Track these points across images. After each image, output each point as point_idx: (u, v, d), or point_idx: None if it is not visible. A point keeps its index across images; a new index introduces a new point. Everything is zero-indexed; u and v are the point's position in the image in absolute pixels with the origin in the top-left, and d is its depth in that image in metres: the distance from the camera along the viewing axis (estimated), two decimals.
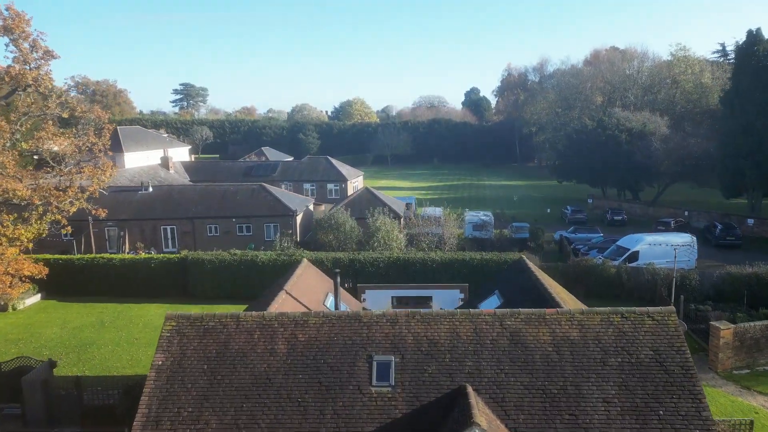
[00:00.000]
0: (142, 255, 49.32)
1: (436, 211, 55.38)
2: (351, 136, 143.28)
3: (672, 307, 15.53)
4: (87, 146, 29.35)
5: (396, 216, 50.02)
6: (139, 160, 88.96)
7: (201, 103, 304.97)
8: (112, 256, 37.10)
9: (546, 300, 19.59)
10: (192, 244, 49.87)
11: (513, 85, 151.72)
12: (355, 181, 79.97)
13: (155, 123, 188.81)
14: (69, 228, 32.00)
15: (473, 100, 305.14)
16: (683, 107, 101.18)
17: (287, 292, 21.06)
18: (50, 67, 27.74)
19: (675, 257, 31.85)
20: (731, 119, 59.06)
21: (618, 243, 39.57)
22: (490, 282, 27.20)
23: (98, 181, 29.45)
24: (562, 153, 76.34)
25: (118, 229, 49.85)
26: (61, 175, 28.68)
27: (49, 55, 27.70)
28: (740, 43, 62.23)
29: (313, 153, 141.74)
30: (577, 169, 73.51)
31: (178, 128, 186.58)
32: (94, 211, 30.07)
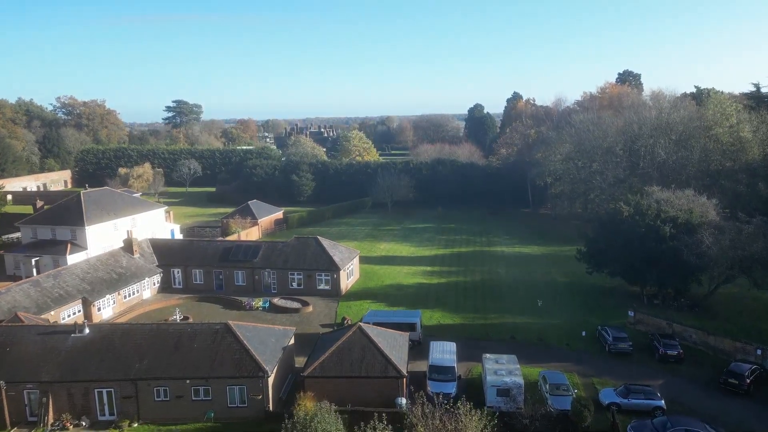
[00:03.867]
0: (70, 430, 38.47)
1: (447, 349, 44.61)
2: (348, 178, 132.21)
3: None
4: None
5: (399, 375, 39.12)
6: (104, 234, 78.12)
7: (195, 121, 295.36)
8: None
9: None
10: (134, 412, 38.93)
11: (521, 114, 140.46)
12: (350, 266, 68.93)
13: (141, 153, 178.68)
14: None
15: (477, 118, 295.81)
16: (719, 164, 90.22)
17: None
18: None
19: None
20: None
21: None
22: None
23: None
24: (593, 240, 65.21)
25: (39, 393, 38.83)
26: None
27: None
28: None
29: (307, 196, 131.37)
30: (610, 261, 62.44)
31: (166, 158, 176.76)
32: None
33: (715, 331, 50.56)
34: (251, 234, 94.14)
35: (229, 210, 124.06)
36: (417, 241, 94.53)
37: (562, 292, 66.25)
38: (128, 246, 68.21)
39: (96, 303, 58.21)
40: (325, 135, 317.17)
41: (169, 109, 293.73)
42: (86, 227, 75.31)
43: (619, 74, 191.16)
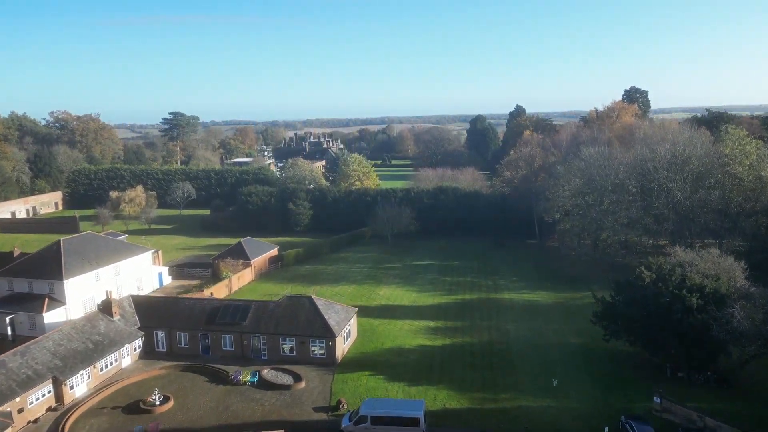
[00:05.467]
0: None
1: None
2: (347, 206, 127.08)
3: None
4: None
5: None
6: (85, 286, 73.23)
7: (191, 133, 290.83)
8: None
9: None
10: None
11: (528, 142, 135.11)
12: (346, 329, 63.79)
13: (134, 174, 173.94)
14: None
15: (479, 130, 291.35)
16: (739, 205, 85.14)
17: None
18: None
19: None
20: None
21: None
22: None
23: None
24: (610, 304, 60.06)
25: None
26: None
27: None
28: None
29: (304, 225, 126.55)
30: (629, 330, 57.44)
31: (160, 179, 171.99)
32: None
33: (752, 425, 45.48)
34: (243, 277, 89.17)
35: (223, 241, 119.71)
36: (419, 284, 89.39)
37: (577, 359, 61.04)
38: (107, 308, 63.12)
39: (68, 381, 53.24)
40: (325, 146, 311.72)
41: (165, 121, 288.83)
42: (64, 281, 70.43)
43: (626, 91, 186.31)
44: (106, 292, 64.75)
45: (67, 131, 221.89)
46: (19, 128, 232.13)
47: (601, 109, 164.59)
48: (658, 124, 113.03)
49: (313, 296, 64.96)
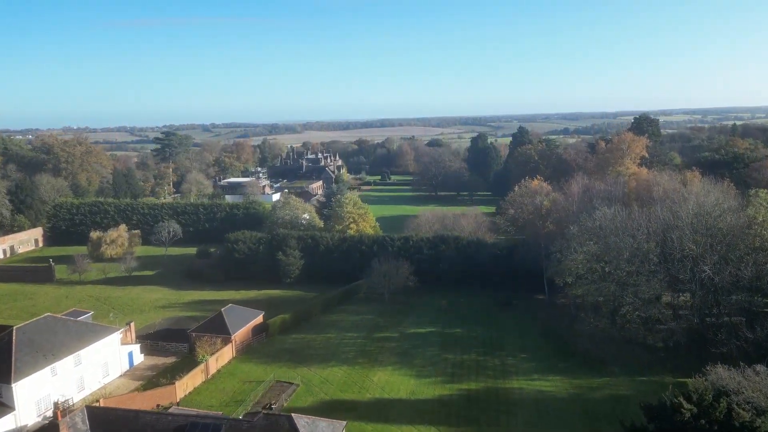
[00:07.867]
0: None
1: None
2: (340, 256, 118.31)
3: None
4: None
5: None
6: (40, 385, 64.62)
7: (184, 153, 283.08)
8: None
9: None
10: None
11: (536, 192, 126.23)
12: None
13: (119, 209, 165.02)
14: None
15: (480, 149, 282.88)
16: None
17: None
18: None
19: None
20: None
21: None
22: None
23: None
24: (641, 431, 51.45)
25: None
26: None
27: None
28: None
29: (294, 277, 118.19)
30: None
31: (146, 214, 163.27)
32: None
33: None
34: (223, 356, 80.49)
35: (206, 296, 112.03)
36: (419, 364, 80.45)
37: None
38: (54, 430, 54.35)
39: None
40: (322, 164, 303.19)
41: (157, 140, 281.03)
42: (13, 385, 61.91)
43: (635, 119, 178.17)
44: (54, 405, 55.56)
45: (52, 156, 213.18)
46: (4, 152, 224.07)
47: (608, 137, 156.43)
48: (678, 179, 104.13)
49: (293, 415, 56.17)
